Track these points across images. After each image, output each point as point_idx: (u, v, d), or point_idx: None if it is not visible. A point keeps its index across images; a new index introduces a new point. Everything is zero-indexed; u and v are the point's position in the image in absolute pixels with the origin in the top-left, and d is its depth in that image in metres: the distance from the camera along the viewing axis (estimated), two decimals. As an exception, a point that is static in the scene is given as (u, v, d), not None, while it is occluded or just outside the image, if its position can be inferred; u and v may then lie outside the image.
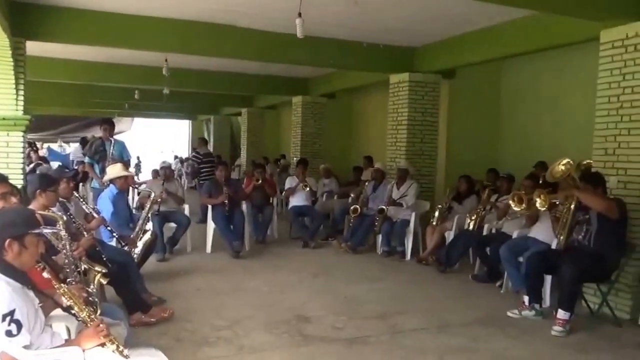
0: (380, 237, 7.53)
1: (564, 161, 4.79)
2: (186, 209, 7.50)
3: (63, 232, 3.26)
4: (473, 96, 8.84)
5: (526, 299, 4.91)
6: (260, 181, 8.19)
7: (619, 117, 5.01)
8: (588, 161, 5.66)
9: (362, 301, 5.26)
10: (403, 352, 3.98)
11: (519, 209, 5.42)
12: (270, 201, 8.64)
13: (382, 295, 5.49)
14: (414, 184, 7.56)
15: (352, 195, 8.71)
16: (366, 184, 8.29)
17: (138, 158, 20.06)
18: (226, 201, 7.25)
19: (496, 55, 7.03)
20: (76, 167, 11.77)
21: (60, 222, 3.25)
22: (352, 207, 7.95)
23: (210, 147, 16.88)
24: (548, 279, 5.08)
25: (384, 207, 7.43)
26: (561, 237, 4.90)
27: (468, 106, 8.81)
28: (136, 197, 8.28)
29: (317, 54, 7.65)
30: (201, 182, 10.79)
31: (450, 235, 6.87)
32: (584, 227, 4.75)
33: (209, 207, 7.46)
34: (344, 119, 12.90)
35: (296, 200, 8.41)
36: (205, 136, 20.25)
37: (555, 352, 4.08)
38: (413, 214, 7.33)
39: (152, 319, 4.38)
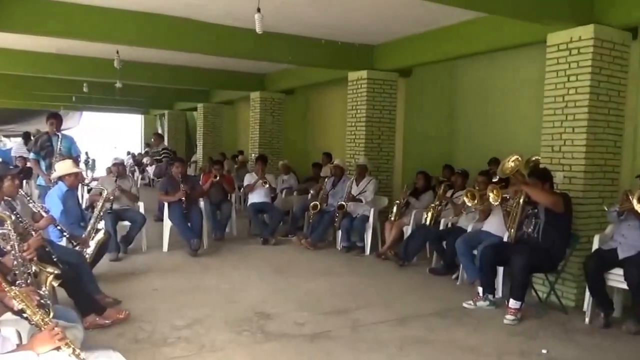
0: (340, 233, 7.63)
1: (514, 157, 4.99)
2: (141, 206, 7.38)
3: (12, 233, 3.17)
4: (429, 94, 9.04)
5: (480, 290, 5.11)
6: (218, 178, 8.14)
7: (564, 116, 5.25)
8: (536, 157, 5.90)
9: (323, 296, 5.34)
10: (364, 345, 4.09)
11: (472, 204, 5.67)
12: (229, 198, 8.60)
13: (343, 290, 5.59)
14: (373, 180, 7.70)
15: (311, 191, 8.79)
16: (325, 180, 8.39)
17: (87, 154, 19.36)
18: (183, 198, 7.18)
19: (450, 55, 7.21)
20: (18, 164, 11.23)
21: (8, 222, 3.15)
22: (311, 204, 8.02)
23: (165, 143, 16.56)
24: (500, 270, 5.29)
25: (343, 203, 7.54)
26: (512, 231, 5.12)
27: (424, 104, 9.00)
28: (86, 195, 8.07)
29: (276, 49, 7.65)
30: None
31: (408, 230, 7.03)
32: (533, 221, 4.98)
33: (165, 204, 7.38)
34: (303, 115, 12.95)
35: (255, 197, 8.41)
36: (159, 131, 19.90)
37: (507, 339, 4.28)
38: (372, 210, 7.46)
39: (107, 321, 4.30)
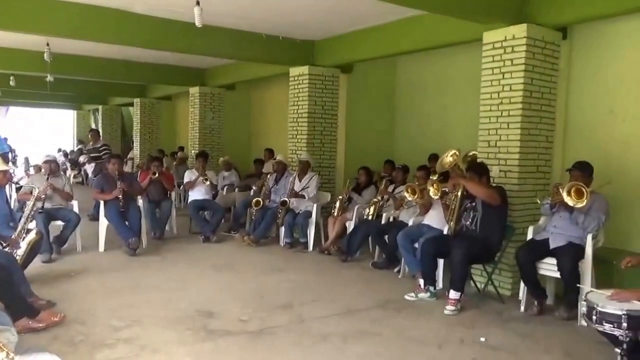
0: (282, 229, 7.60)
1: (452, 152, 5.14)
2: (75, 205, 7.06)
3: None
4: (370, 90, 9.15)
5: (422, 282, 5.22)
6: (157, 175, 7.92)
7: (499, 112, 5.45)
8: (474, 152, 6.09)
9: (267, 293, 5.29)
10: (309, 339, 4.08)
11: (413, 199, 5.79)
12: (168, 195, 8.39)
13: (287, 286, 5.56)
14: (315, 175, 7.72)
15: (253, 187, 8.72)
16: (268, 176, 8.34)
17: (13, 151, 18.29)
18: (120, 196, 6.93)
19: (390, 52, 7.32)
20: None
21: None
22: (254, 200, 7.95)
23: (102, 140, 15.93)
24: (441, 262, 5.43)
25: (286, 199, 7.51)
26: (451, 223, 5.26)
27: (365, 100, 9.10)
28: (14, 194, 7.64)
29: (216, 44, 7.51)
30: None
31: (350, 225, 7.09)
32: (471, 214, 5.14)
33: (101, 202, 7.09)
34: (244, 110, 12.80)
35: (196, 194, 8.24)
36: (94, 127, 19.13)
37: (448, 329, 4.39)
38: (315, 205, 7.48)
39: (41, 324, 4.09)
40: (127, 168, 13.13)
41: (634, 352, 3.01)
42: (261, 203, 7.83)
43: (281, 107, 10.00)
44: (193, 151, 11.56)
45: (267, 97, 12.07)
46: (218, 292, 5.29)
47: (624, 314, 2.84)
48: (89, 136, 11.26)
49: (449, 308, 4.78)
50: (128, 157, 15.58)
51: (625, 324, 2.83)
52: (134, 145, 16.20)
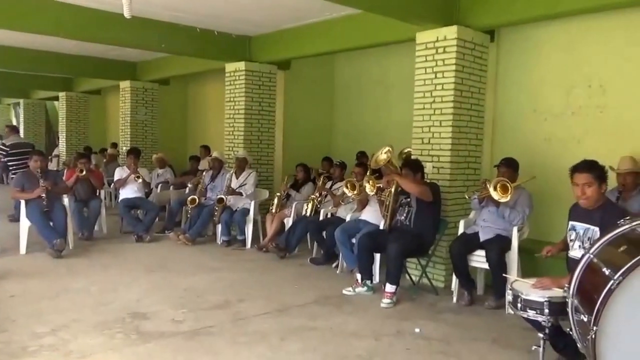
0: (219, 227, 7.50)
1: (385, 149, 5.24)
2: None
3: None
4: (308, 87, 9.15)
5: (359, 276, 5.30)
6: (84, 172, 7.58)
7: (432, 110, 5.61)
8: (408, 149, 6.24)
9: (203, 292, 5.20)
10: (246, 338, 4.04)
11: (352, 194, 5.87)
12: (97, 194, 8.06)
13: (223, 285, 5.48)
14: (253, 172, 7.65)
15: (189, 185, 8.54)
16: (204, 173, 8.19)
17: None
18: (43, 195, 6.57)
19: (327, 50, 7.36)
20: None
21: None
22: (189, 198, 7.79)
23: (21, 135, 15.04)
24: (377, 257, 5.53)
25: (223, 196, 7.41)
26: (387, 219, 5.36)
27: (303, 97, 9.09)
28: None
29: (147, 36, 7.28)
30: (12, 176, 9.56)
31: (289, 222, 7.08)
32: (406, 209, 5.27)
33: (22, 202, 6.70)
34: (179, 106, 12.46)
35: (127, 192, 7.96)
36: (14, 123, 18.08)
37: (384, 321, 4.48)
38: (252, 203, 7.42)
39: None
40: (52, 165, 12.53)
41: (555, 336, 3.20)
42: (197, 201, 7.69)
43: (218, 103, 9.82)
44: (124, 148, 11.16)
45: (204, 92, 11.83)
46: (151, 293, 5.13)
47: (545, 301, 2.98)
48: (6, 133, 10.55)
49: (385, 301, 4.88)
50: (53, 154, 14.85)
51: (547, 310, 2.98)
52: (60, 141, 15.42)
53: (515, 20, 5.39)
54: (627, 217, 2.77)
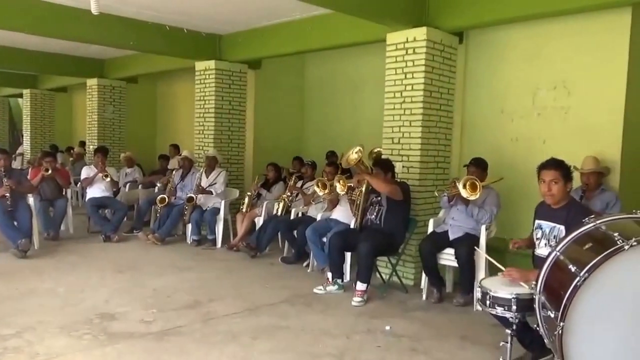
0: (189, 226, 7.44)
1: (356, 149, 5.29)
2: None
3: None
4: (279, 86, 9.13)
5: (330, 275, 5.33)
6: (50, 171, 7.41)
7: (402, 110, 5.67)
8: (378, 149, 6.29)
9: (173, 292, 5.14)
10: (217, 338, 4.02)
11: (323, 194, 5.89)
12: (64, 193, 7.89)
13: (193, 285, 5.44)
14: (223, 171, 7.61)
15: (158, 184, 8.45)
16: (173, 172, 8.11)
17: None
18: (7, 194, 6.41)
19: (298, 49, 7.36)
20: None
21: None
22: (159, 197, 7.70)
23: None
24: (348, 255, 5.57)
25: (192, 195, 7.34)
26: (357, 218, 5.41)
27: (274, 96, 9.08)
28: None
29: (115, 33, 7.15)
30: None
31: (259, 221, 7.07)
32: (376, 208, 5.32)
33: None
34: (148, 105, 12.26)
35: (95, 191, 7.81)
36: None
37: (355, 320, 4.51)
38: (223, 202, 7.38)
39: None
40: (16, 164, 12.19)
41: (522, 332, 3.28)
42: (166, 200, 7.60)
43: (188, 102, 9.72)
44: (91, 146, 10.95)
45: (173, 91, 11.68)
46: (120, 294, 5.06)
47: (513, 298, 3.04)
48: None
49: (356, 299, 4.91)
50: (17, 152, 14.45)
51: (514, 307, 3.03)
52: (24, 139, 15.01)
53: (483, 23, 5.50)
54: (592, 216, 2.85)
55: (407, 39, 5.58)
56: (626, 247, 2.35)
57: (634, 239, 2.36)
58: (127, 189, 8.94)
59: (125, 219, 7.92)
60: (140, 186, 9.10)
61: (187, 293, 5.13)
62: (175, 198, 7.73)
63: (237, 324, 4.31)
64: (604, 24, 5.10)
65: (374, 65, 7.40)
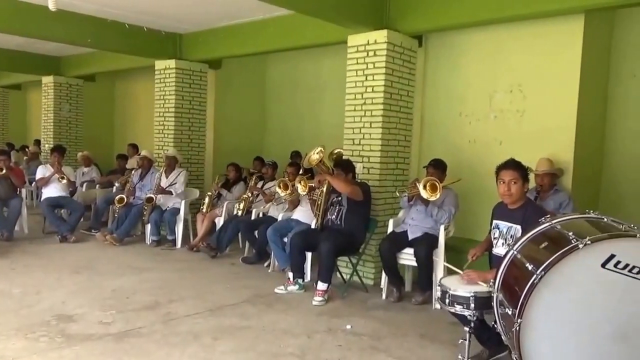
0: (148, 227, 7.33)
1: (318, 149, 5.33)
2: None
3: None
4: (240, 86, 9.09)
5: (291, 275, 5.35)
6: (4, 170, 7.18)
7: (363, 112, 5.74)
8: (339, 150, 6.34)
9: (132, 293, 5.07)
10: (177, 338, 3.99)
11: (285, 194, 5.91)
12: (18, 192, 7.66)
13: (153, 285, 5.37)
14: (183, 171, 7.54)
15: (116, 184, 8.29)
16: (132, 172, 7.98)
17: None
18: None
19: (259, 50, 7.37)
20: None
21: None
22: (117, 197, 7.57)
23: None
24: (309, 255, 5.60)
25: (152, 195, 7.25)
26: (318, 218, 5.46)
27: (235, 96, 9.04)
28: None
29: (72, 30, 7.01)
30: None
31: (220, 221, 7.03)
32: (337, 208, 5.37)
33: None
34: (107, 103, 11.99)
35: (50, 191, 7.61)
36: None
37: (315, 319, 4.55)
38: (183, 202, 7.31)
39: None
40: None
41: (479, 329, 3.38)
42: (125, 200, 7.47)
43: (148, 101, 9.57)
44: (47, 145, 10.64)
45: (133, 89, 11.47)
46: (77, 295, 4.95)
47: (471, 296, 3.13)
48: None
49: (317, 299, 4.95)
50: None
51: (473, 305, 3.13)
52: (-25, 138, 14.48)
53: (441, 27, 5.63)
54: (547, 216, 2.97)
55: (367, 41, 5.65)
56: (580, 246, 2.43)
57: (587, 238, 2.44)
58: (84, 189, 8.77)
59: (82, 219, 7.75)
60: (97, 186, 8.94)
61: (146, 294, 5.06)
62: (134, 198, 7.61)
63: (198, 325, 4.29)
64: (557, 30, 5.29)
65: (335, 67, 7.47)
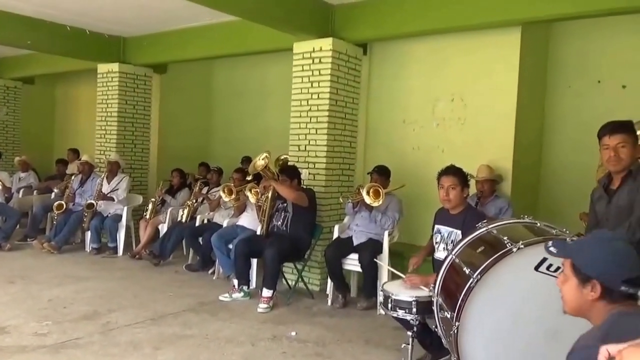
0: (89, 234, 7.10)
1: (263, 155, 5.33)
2: None
3: None
4: (185, 92, 8.95)
5: (236, 282, 5.29)
6: None
7: (308, 118, 5.78)
8: (285, 156, 6.35)
9: (69, 303, 4.88)
10: (116, 349, 3.87)
11: (230, 200, 5.85)
12: (-53, 200, 7.26)
13: (92, 295, 5.19)
14: (126, 177, 7.36)
15: (55, 190, 8.00)
16: (72, 177, 7.71)
17: None
18: None
19: (205, 55, 7.29)
20: None
21: None
22: (56, 203, 7.30)
23: None
24: (254, 262, 5.56)
25: (92, 201, 7.02)
26: (263, 224, 5.44)
27: (180, 101, 8.88)
28: None
29: (10, 31, 6.74)
30: None
31: (163, 228, 6.89)
32: (283, 214, 5.37)
33: None
34: (46, 107, 11.50)
35: (-17, 198, 7.26)
36: None
37: (260, 326, 4.52)
38: (125, 208, 7.13)
39: None
40: None
41: (422, 333, 3.43)
42: (64, 206, 7.21)
43: (89, 105, 9.27)
44: (-20, 150, 10.12)
45: (74, 93, 11.06)
46: (11, 306, 4.73)
47: (413, 301, 3.18)
48: None
49: (262, 306, 4.92)
50: None
51: (415, 309, 3.17)
52: None
53: (385, 36, 5.76)
54: (484, 221, 3.06)
55: (313, 48, 5.70)
56: (514, 250, 2.52)
57: (521, 242, 2.53)
58: (20, 195, 8.39)
59: (18, 226, 7.43)
60: (35, 192, 8.56)
61: (85, 303, 4.89)
62: (73, 204, 7.37)
63: (138, 334, 4.18)
64: (496, 42, 5.49)
65: (281, 73, 7.45)
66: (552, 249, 1.87)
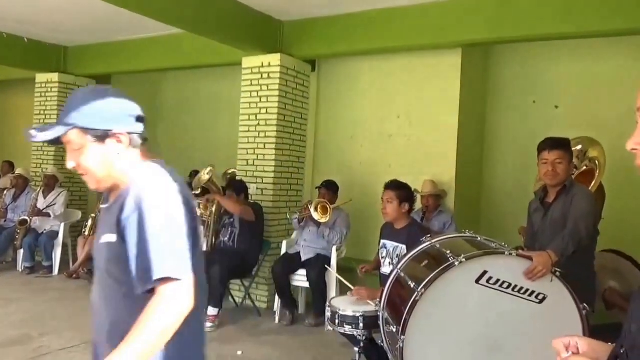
0: (21, 252, 6.72)
1: (208, 169, 5.25)
2: None
3: None
4: (130, 103, 8.67)
5: (179, 301, 5.09)
6: None
7: (257, 132, 5.73)
8: (233, 170, 6.26)
9: (-2, 327, 4.58)
10: (48, 374, 3.64)
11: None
12: None
13: (24, 317, 4.89)
14: (64, 192, 7.07)
15: (-16, 205, 7.53)
16: (5, 192, 7.32)
17: None
18: None
19: (151, 67, 7.12)
20: None
21: None
22: (-16, 220, 6.87)
23: None
24: (199, 280, 5.38)
25: (26, 217, 6.67)
26: (209, 239, 5.30)
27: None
28: None
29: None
30: None
31: (103, 246, 6.59)
32: (229, 229, 5.26)
33: None
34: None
35: None
36: None
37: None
38: (62, 225, 6.80)
39: None
40: None
41: (369, 349, 3.39)
42: (-5, 223, 6.82)
43: (27, 116, 8.83)
44: None
45: (10, 103, 10.52)
46: None
47: (360, 316, 3.16)
48: None
49: (207, 325, 4.75)
50: None
51: (361, 325, 3.14)
52: None
53: (333, 53, 5.82)
54: (429, 235, 3.09)
55: (262, 63, 5.67)
56: (456, 264, 2.55)
57: (462, 256, 2.57)
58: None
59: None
60: (-37, 208, 8.04)
61: (14, 327, 4.59)
62: (5, 220, 6.99)
63: (73, 359, 3.95)
64: (439, 62, 5.62)
65: (230, 88, 7.37)
66: (38, 132, 1.50)
